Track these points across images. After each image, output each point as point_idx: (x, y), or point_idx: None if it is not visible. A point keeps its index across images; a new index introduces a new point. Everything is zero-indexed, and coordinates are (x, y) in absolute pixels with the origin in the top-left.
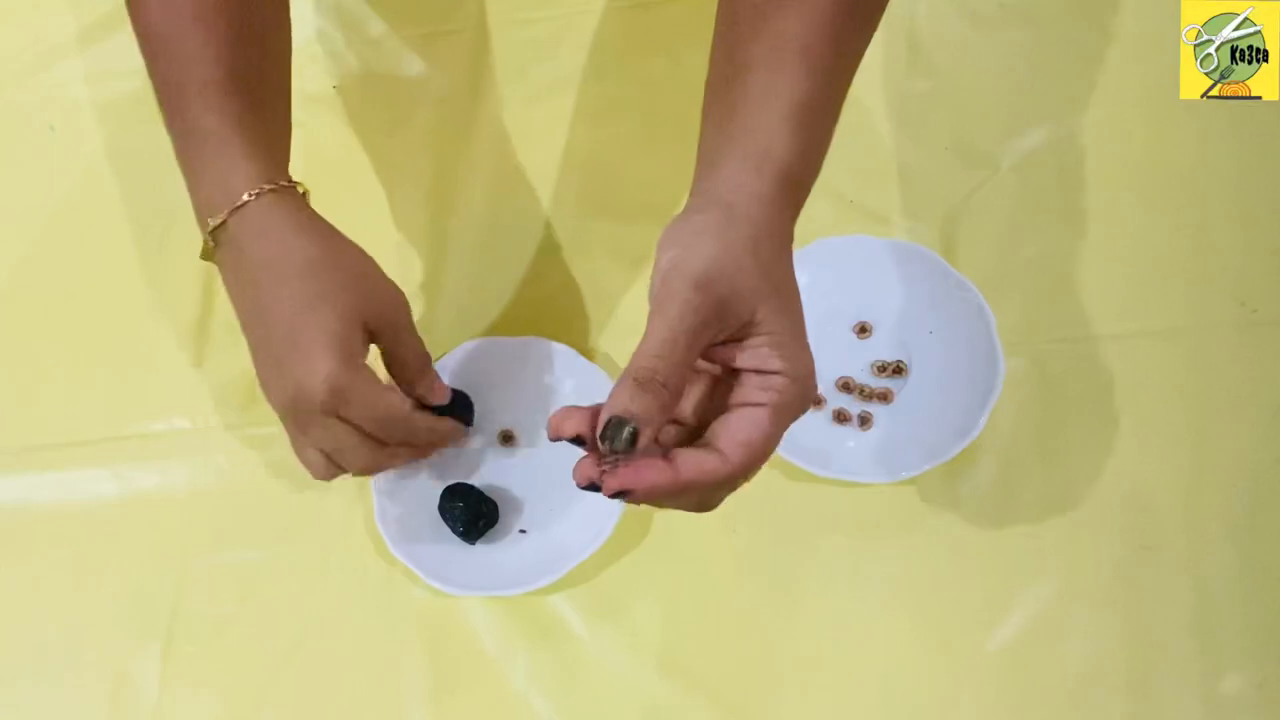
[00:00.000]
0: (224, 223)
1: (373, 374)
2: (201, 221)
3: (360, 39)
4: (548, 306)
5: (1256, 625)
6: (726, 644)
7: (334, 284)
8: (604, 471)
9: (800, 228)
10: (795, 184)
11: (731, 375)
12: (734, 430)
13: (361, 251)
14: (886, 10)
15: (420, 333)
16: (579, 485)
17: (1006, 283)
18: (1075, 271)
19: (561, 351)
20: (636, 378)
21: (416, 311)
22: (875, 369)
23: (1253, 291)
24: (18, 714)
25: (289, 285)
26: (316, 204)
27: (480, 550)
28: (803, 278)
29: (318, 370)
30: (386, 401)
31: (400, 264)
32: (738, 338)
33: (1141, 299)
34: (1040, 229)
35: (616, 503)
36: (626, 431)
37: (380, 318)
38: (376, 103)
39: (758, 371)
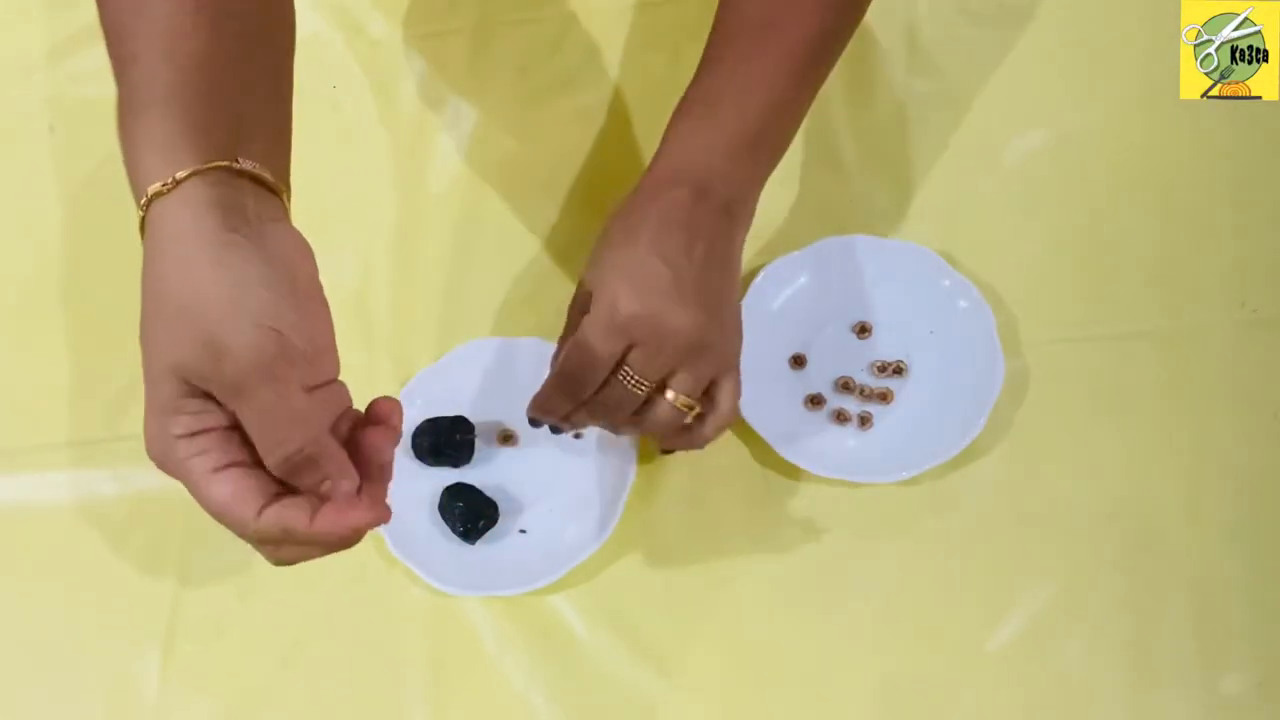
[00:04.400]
0: (146, 209)
1: (208, 446)
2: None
3: (360, 39)
4: (547, 306)
5: (1256, 625)
6: (726, 644)
7: (156, 316)
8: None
9: (800, 227)
10: (688, 163)
11: None
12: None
13: (221, 280)
14: (887, 10)
15: (419, 335)
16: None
17: (1006, 283)
18: (1075, 271)
19: None
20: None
21: (417, 312)
22: (875, 369)
23: (1253, 291)
24: (18, 714)
25: (146, 305)
26: (315, 205)
27: (480, 550)
28: (802, 278)
29: (145, 435)
30: (206, 493)
31: (399, 264)
32: None
33: (1141, 299)
34: (1040, 229)
35: (617, 502)
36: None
37: (202, 378)
38: (376, 102)
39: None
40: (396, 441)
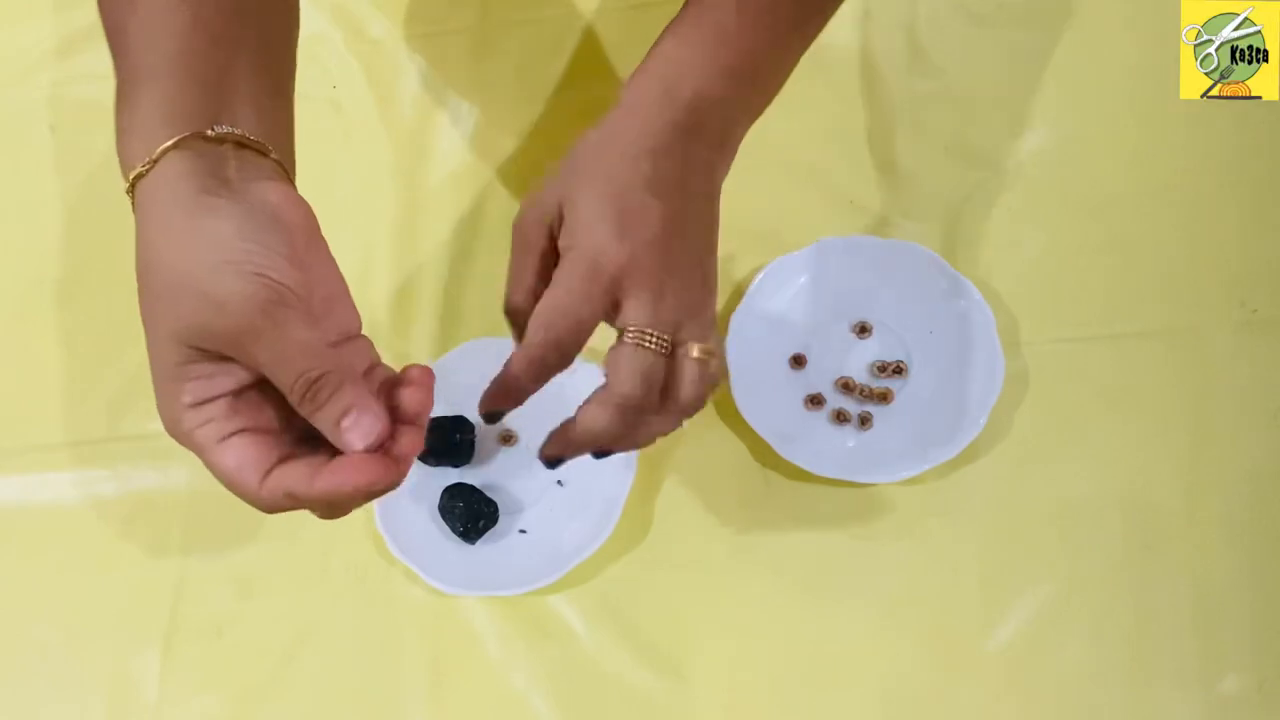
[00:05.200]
0: (133, 185)
1: (215, 415)
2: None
3: (360, 39)
4: None
5: (1256, 625)
6: (726, 644)
7: (148, 290)
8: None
9: (800, 228)
10: (677, 80)
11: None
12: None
13: (205, 239)
14: (886, 10)
15: (419, 334)
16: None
17: (1006, 283)
18: (1075, 271)
19: None
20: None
21: (415, 313)
22: (875, 369)
23: (1253, 291)
24: (18, 714)
25: (140, 282)
26: (315, 204)
27: (480, 550)
28: (802, 278)
29: (157, 406)
30: (215, 463)
31: (398, 263)
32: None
33: (1141, 299)
34: (1040, 229)
35: (617, 502)
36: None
37: (204, 336)
38: (376, 103)
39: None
40: (426, 405)
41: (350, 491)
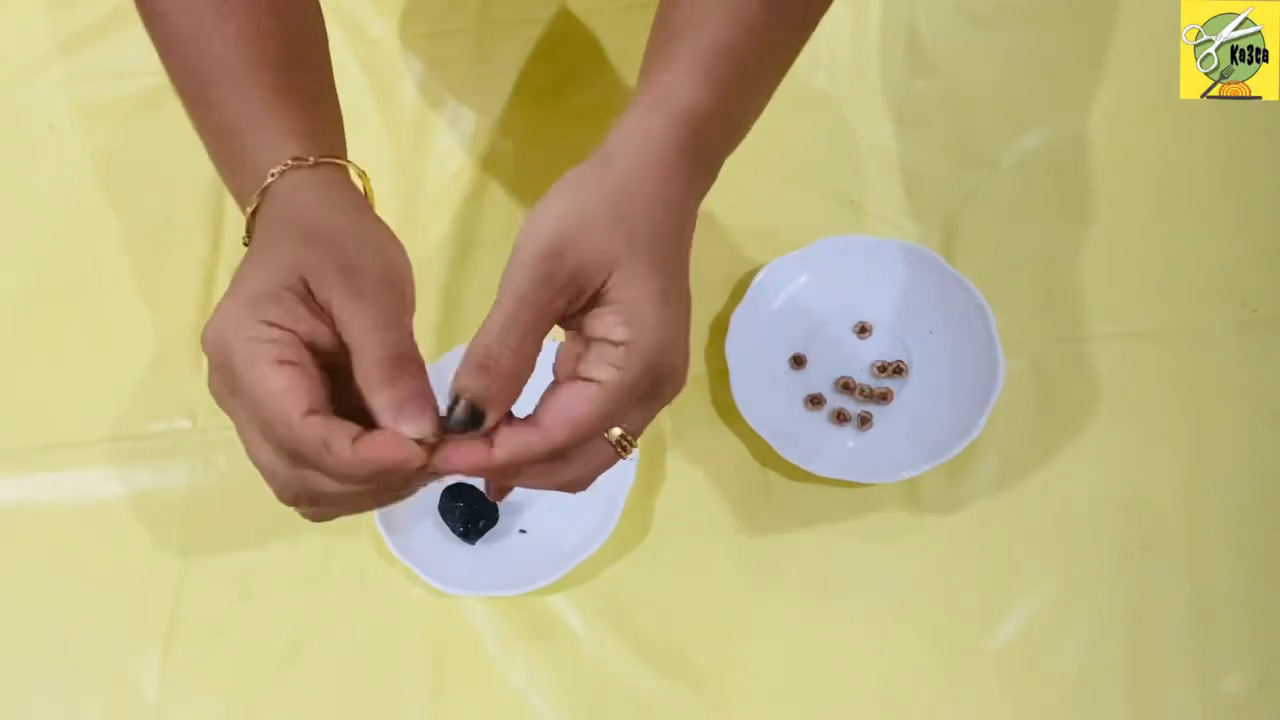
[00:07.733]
0: (259, 203)
1: (282, 340)
2: (242, 208)
3: (360, 39)
4: None
5: (1256, 625)
6: (726, 644)
7: (289, 237)
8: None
9: (800, 228)
10: (695, 124)
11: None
12: (560, 404)
13: (362, 222)
14: (886, 10)
15: (417, 334)
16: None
17: (1006, 283)
18: (1075, 271)
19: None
20: (475, 361)
21: (417, 312)
22: (875, 369)
23: (1253, 291)
24: (17, 714)
25: (273, 226)
26: None
27: (480, 550)
28: (803, 278)
29: (213, 316)
30: (264, 380)
31: None
32: (590, 305)
33: (1141, 299)
34: (1040, 229)
35: (617, 502)
36: (463, 409)
37: (318, 267)
38: (376, 102)
39: (604, 340)
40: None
41: (386, 462)
